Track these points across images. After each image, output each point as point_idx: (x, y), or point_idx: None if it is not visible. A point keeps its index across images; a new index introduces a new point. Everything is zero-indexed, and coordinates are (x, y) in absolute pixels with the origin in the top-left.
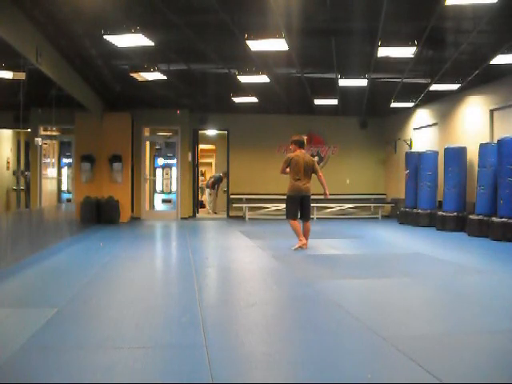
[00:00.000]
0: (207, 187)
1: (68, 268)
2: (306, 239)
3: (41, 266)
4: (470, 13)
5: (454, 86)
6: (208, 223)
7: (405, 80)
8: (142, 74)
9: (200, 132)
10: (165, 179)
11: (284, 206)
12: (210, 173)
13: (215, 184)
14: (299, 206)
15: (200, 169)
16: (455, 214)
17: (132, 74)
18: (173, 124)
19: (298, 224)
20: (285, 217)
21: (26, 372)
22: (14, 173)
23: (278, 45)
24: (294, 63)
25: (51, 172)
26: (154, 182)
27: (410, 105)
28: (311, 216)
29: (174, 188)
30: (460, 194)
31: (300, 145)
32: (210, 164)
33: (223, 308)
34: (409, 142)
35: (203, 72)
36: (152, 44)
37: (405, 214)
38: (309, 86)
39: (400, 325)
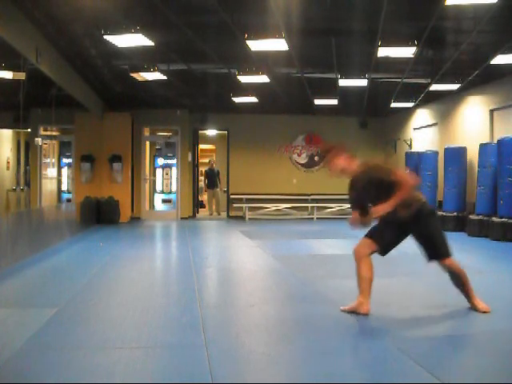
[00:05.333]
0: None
1: (68, 268)
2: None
3: (41, 266)
4: (470, 13)
5: (454, 86)
6: (208, 223)
7: (405, 80)
8: (142, 74)
9: (200, 132)
10: (165, 179)
11: (284, 205)
12: None
13: (210, 180)
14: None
15: (200, 169)
16: (455, 214)
17: (132, 74)
18: (173, 124)
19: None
20: (285, 216)
21: (26, 372)
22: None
23: (278, 45)
24: (294, 63)
25: (51, 172)
26: (154, 181)
27: (410, 105)
28: (312, 216)
29: (174, 188)
30: (460, 194)
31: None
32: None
33: (223, 308)
34: (409, 142)
35: (203, 72)
36: (152, 44)
37: None
38: (309, 86)
39: (400, 325)
